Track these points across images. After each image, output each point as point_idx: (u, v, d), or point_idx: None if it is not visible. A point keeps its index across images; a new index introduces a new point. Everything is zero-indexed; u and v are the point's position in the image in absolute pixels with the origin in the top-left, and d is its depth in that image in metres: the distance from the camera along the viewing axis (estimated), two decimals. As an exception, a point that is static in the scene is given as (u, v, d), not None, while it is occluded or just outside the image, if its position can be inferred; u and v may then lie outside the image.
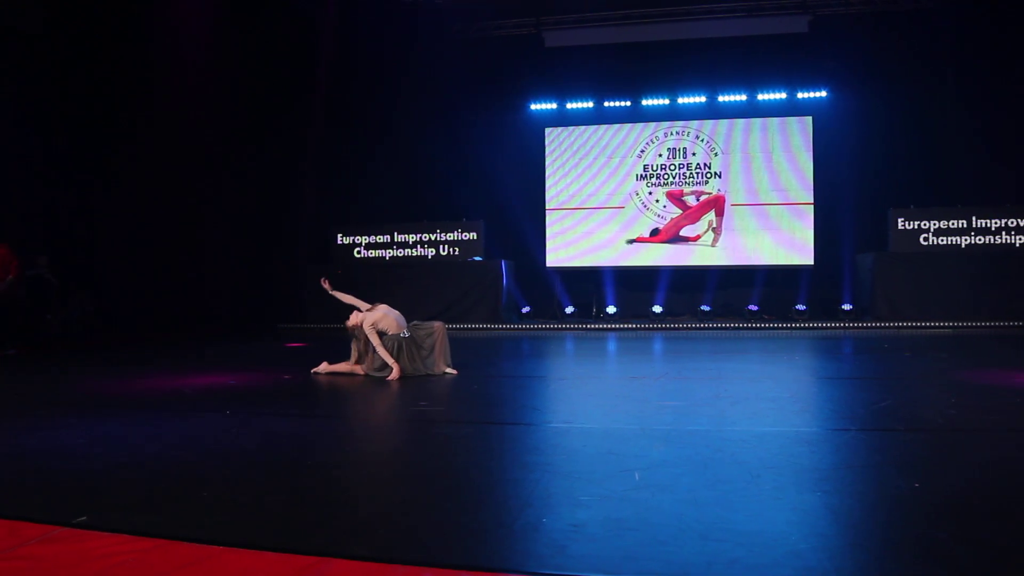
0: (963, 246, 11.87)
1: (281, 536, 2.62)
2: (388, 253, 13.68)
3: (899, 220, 12.02)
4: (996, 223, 11.78)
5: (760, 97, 13.57)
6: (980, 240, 11.83)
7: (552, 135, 14.22)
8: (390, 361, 6.45)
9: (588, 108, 14.19)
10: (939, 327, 11.19)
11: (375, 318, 6.60)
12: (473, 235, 13.29)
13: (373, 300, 6.81)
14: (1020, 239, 11.70)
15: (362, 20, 13.86)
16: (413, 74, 13.90)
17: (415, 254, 13.57)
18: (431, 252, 13.50)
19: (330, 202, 14.10)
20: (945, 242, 11.91)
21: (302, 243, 13.74)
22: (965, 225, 11.87)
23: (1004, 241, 11.75)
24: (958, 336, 10.43)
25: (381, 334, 6.56)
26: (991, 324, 11.00)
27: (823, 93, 13.33)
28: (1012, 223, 11.73)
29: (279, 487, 3.25)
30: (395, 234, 13.67)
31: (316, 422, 4.82)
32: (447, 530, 2.67)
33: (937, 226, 11.94)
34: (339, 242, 13.81)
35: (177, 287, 12.82)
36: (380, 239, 13.71)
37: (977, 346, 8.92)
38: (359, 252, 13.77)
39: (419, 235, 13.56)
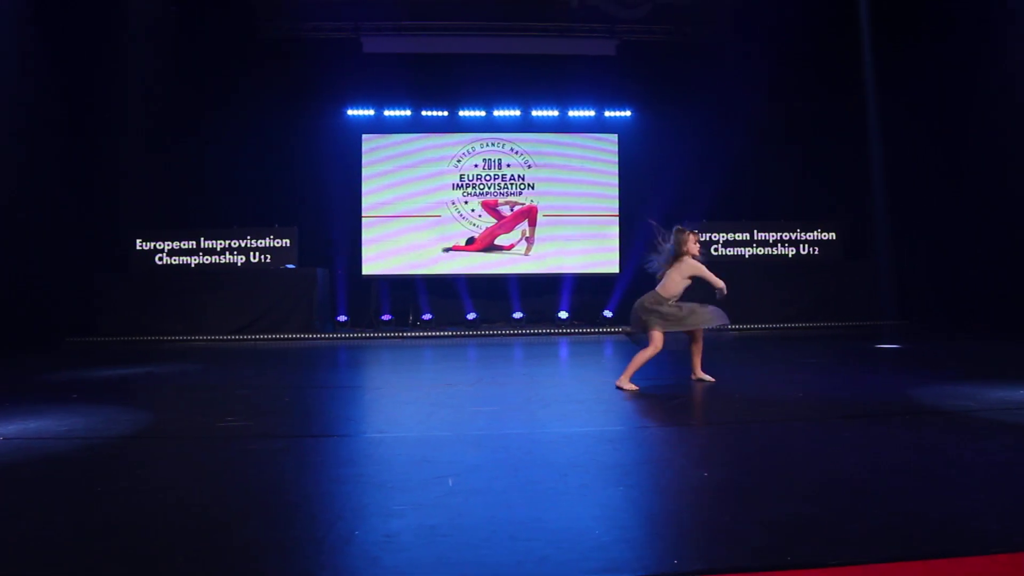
0: (747, 256, 13.14)
1: (70, 571, 2.39)
2: (194, 260, 12.83)
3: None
4: (773, 236, 13.18)
5: (571, 114, 14.23)
6: (760, 251, 13.16)
7: (369, 142, 14.04)
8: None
9: (406, 116, 14.16)
10: (727, 330, 12.24)
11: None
12: (286, 242, 12.80)
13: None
14: (791, 250, 13.17)
15: (167, 16, 12.95)
16: (222, 73, 13.17)
17: (223, 261, 12.84)
18: (241, 259, 12.83)
19: (127, 205, 13.00)
20: (732, 252, 13.12)
21: (93, 248, 12.50)
22: (748, 238, 13.17)
23: (779, 252, 13.16)
24: (744, 338, 11.46)
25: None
26: (771, 326, 12.24)
27: (628, 113, 14.23)
28: (785, 236, 13.18)
29: (64, 518, 2.95)
30: (202, 240, 12.84)
31: (109, 445, 4.42)
32: (256, 549, 2.56)
33: (725, 238, 13.13)
34: (138, 247, 12.75)
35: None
36: (185, 245, 12.82)
37: (759, 347, 9.87)
38: (161, 259, 12.80)
39: (228, 241, 12.84)
